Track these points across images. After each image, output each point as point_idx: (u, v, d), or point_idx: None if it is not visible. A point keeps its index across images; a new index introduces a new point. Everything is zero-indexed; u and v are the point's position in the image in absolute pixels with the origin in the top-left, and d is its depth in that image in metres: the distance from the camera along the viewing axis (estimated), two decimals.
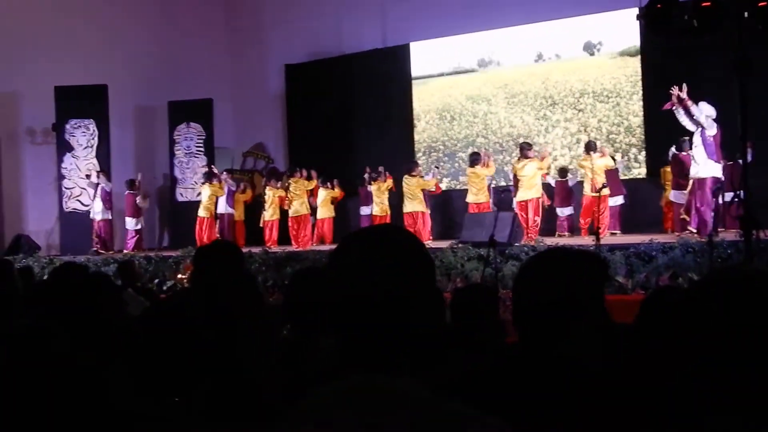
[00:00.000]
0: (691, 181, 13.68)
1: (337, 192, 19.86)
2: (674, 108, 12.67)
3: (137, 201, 20.23)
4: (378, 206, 18.33)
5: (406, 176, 16.94)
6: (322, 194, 19.53)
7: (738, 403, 1.56)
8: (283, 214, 19.25)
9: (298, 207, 18.79)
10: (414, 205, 16.69)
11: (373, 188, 18.46)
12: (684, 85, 12.55)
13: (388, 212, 18.25)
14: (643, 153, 18.20)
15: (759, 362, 1.58)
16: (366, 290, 1.58)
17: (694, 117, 12.49)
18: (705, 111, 12.60)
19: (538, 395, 2.06)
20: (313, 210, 19.44)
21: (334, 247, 1.74)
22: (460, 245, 14.00)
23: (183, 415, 1.80)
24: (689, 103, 12.40)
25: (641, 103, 18.25)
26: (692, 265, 11.12)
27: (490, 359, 2.29)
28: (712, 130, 12.66)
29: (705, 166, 12.79)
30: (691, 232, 12.97)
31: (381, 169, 18.47)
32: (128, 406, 1.80)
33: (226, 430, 1.55)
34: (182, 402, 1.83)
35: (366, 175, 18.92)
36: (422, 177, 17.14)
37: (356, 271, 1.61)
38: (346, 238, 1.71)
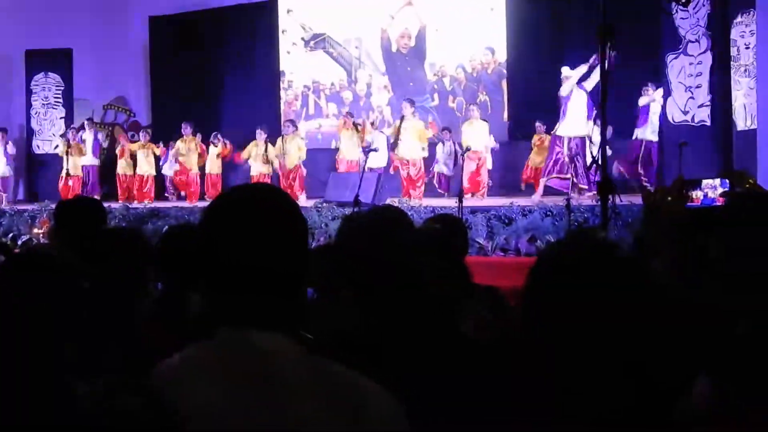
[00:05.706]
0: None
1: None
2: None
3: None
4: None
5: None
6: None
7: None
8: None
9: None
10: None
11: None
12: None
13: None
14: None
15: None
16: (240, 251, 1.58)
17: None
18: None
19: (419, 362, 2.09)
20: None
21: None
22: (324, 204, 14.07)
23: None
24: None
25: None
26: (550, 228, 11.50)
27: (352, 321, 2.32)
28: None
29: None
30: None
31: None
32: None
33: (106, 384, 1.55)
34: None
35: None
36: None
37: (230, 231, 1.61)
38: (220, 197, 1.71)
